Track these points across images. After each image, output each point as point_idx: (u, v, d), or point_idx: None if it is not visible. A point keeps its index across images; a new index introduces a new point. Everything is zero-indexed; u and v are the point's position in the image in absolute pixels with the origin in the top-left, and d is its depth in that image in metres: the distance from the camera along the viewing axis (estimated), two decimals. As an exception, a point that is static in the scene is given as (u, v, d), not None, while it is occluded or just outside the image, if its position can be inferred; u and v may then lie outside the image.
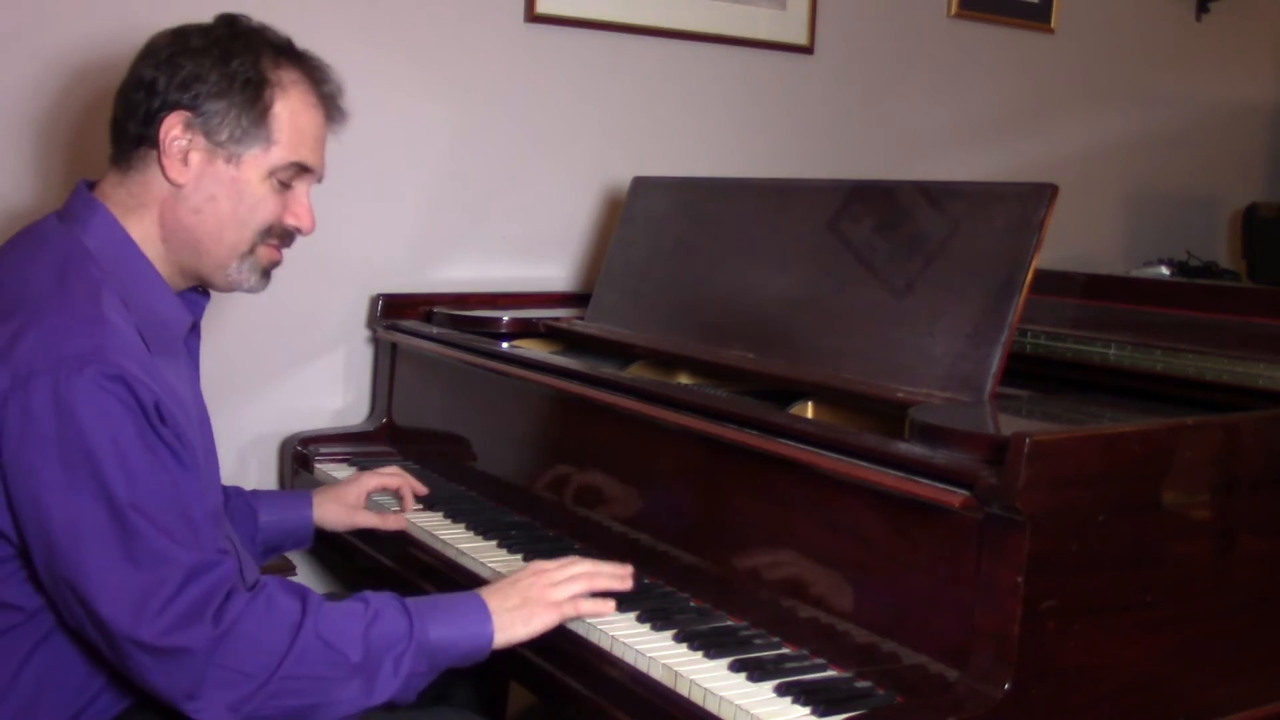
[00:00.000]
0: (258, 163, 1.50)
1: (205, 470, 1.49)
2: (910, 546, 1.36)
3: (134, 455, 1.31)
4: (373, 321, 2.45)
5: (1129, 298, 2.17)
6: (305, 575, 2.41)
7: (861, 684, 1.39)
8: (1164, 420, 1.39)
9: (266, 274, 1.58)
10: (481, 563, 1.77)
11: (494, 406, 2.12)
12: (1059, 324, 1.94)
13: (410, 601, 1.44)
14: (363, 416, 2.48)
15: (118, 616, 1.28)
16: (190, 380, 1.59)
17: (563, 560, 1.56)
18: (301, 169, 1.54)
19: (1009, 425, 1.44)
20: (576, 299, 2.50)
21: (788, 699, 1.34)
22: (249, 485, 2.36)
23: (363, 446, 2.37)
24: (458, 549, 1.84)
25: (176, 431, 1.37)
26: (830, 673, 1.42)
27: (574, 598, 1.51)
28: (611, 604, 1.54)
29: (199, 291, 1.63)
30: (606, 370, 1.92)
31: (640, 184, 2.36)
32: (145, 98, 1.47)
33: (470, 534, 1.91)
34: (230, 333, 2.31)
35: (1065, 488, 1.25)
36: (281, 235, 1.56)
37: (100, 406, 1.30)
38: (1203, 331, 1.92)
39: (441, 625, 1.42)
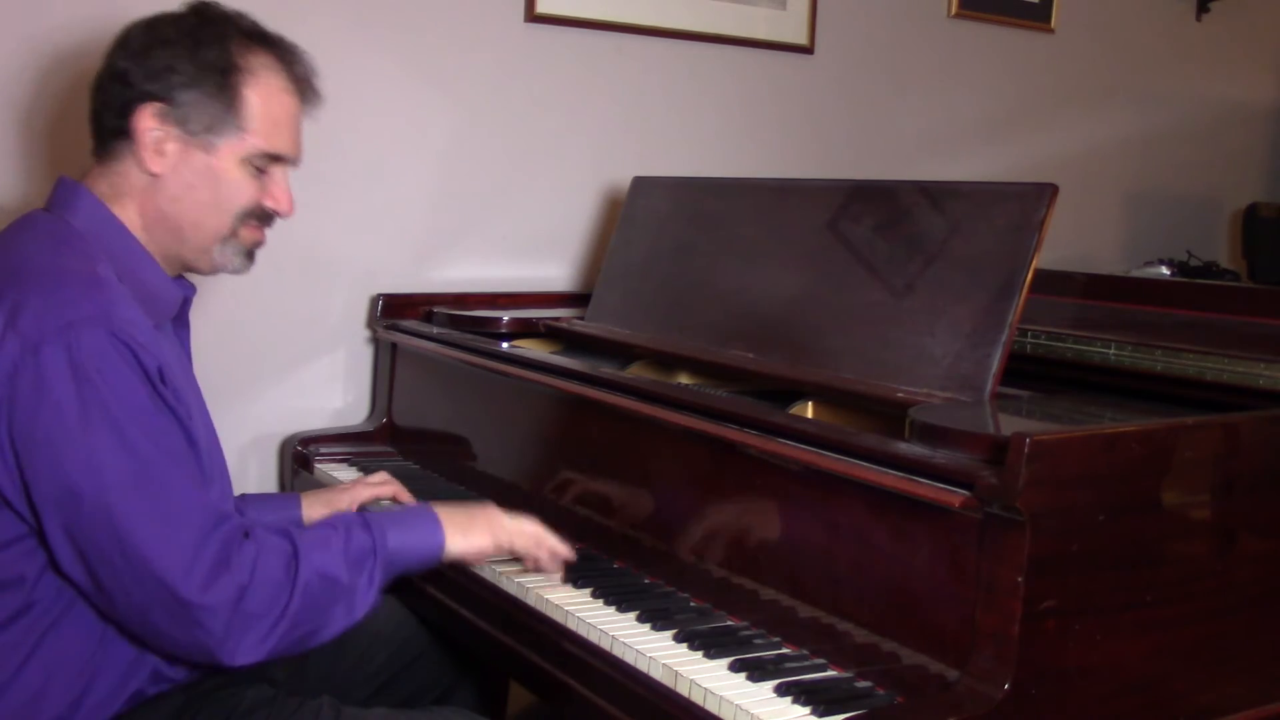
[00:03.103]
0: (232, 150, 1.52)
1: (206, 445, 1.51)
2: (910, 546, 1.36)
3: (150, 410, 1.35)
4: (373, 321, 2.45)
5: (1129, 298, 2.17)
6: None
7: (861, 684, 1.39)
8: (1164, 420, 1.39)
9: (250, 255, 1.60)
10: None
11: (494, 406, 2.12)
12: (1059, 324, 1.94)
13: (370, 515, 1.52)
14: (363, 416, 2.48)
15: (168, 568, 1.32)
16: (183, 365, 1.62)
17: (520, 515, 1.65)
18: (280, 160, 1.57)
19: (1009, 425, 1.44)
20: (576, 299, 2.50)
21: (788, 699, 1.34)
22: (249, 485, 2.37)
23: (363, 446, 2.37)
24: (458, 549, 1.84)
25: (179, 397, 1.40)
26: (830, 673, 1.42)
27: (513, 536, 1.62)
28: (558, 575, 1.65)
29: (184, 283, 1.66)
30: (606, 370, 1.92)
31: (640, 184, 2.36)
32: (119, 90, 1.49)
33: (470, 534, 1.91)
34: (231, 333, 2.31)
35: (1065, 488, 1.25)
36: (261, 217, 1.58)
37: (115, 364, 1.33)
38: (1203, 331, 1.92)
39: (399, 534, 1.50)
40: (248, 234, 1.57)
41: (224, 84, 1.50)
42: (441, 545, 1.54)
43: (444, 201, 2.54)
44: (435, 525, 1.55)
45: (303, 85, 1.60)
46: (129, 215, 1.52)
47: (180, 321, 1.67)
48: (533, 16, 2.57)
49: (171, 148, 1.50)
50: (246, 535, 1.38)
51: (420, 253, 2.53)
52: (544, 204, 2.65)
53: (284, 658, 1.68)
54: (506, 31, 2.57)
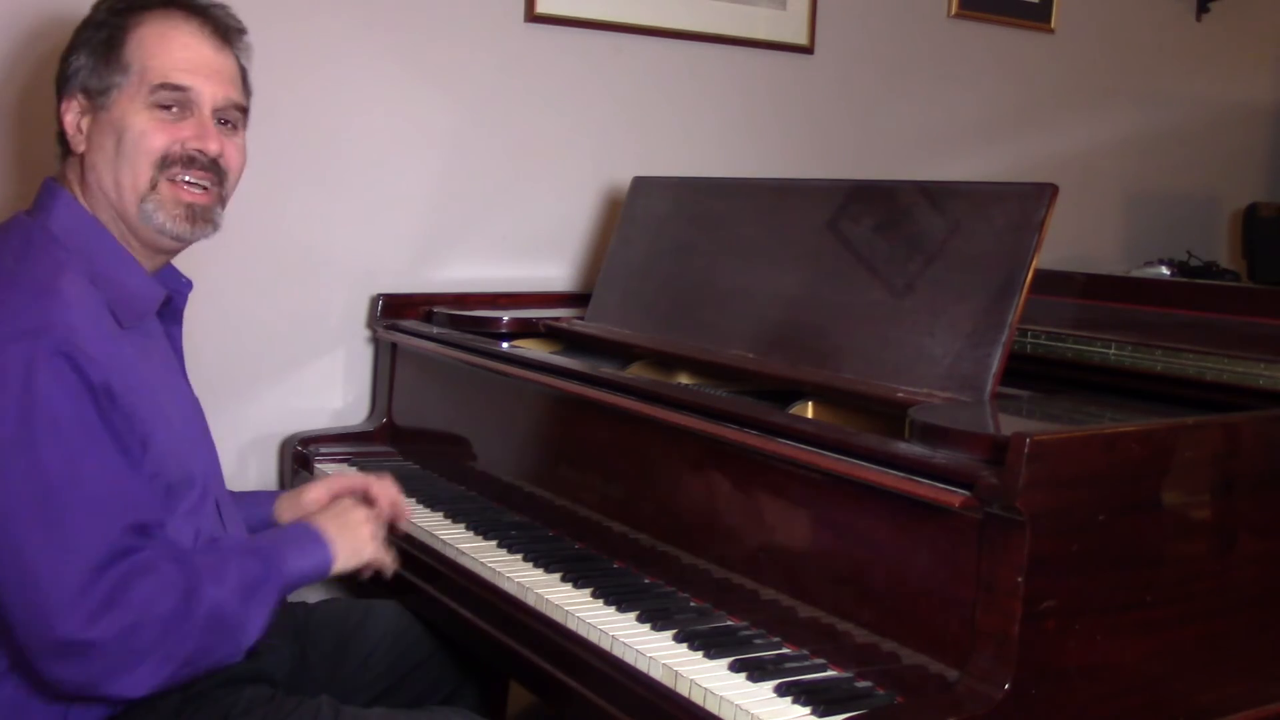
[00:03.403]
0: (128, 96, 1.51)
1: (173, 448, 1.48)
2: (910, 546, 1.36)
3: (78, 429, 1.33)
4: (373, 321, 2.45)
5: (1129, 298, 2.17)
6: (305, 575, 2.41)
7: (861, 684, 1.39)
8: (1164, 420, 1.39)
9: (188, 217, 1.54)
10: (481, 563, 1.77)
11: (494, 406, 2.12)
12: (1059, 324, 1.94)
13: (263, 542, 1.53)
14: (363, 416, 2.48)
15: (53, 600, 1.29)
16: (166, 364, 1.60)
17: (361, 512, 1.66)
18: (173, 88, 1.52)
19: (1009, 425, 1.44)
20: (576, 299, 2.50)
21: (788, 699, 1.34)
22: (249, 485, 2.37)
23: (363, 446, 2.37)
24: (458, 549, 1.84)
25: (126, 411, 1.38)
26: (830, 673, 1.42)
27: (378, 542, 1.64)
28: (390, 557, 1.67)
29: (179, 282, 1.67)
30: (606, 370, 1.92)
31: (640, 184, 2.36)
32: (56, 99, 1.56)
33: (470, 534, 1.91)
34: (231, 332, 2.31)
35: (1065, 488, 1.25)
36: (185, 163, 1.52)
37: (48, 379, 1.32)
38: (1203, 331, 1.92)
39: (295, 559, 1.52)
40: (169, 189, 1.52)
41: (108, 36, 1.52)
42: (331, 565, 1.56)
43: (444, 201, 2.54)
44: (325, 548, 1.56)
45: (198, 17, 1.56)
46: (100, 209, 1.53)
47: (172, 318, 1.66)
48: (533, 16, 2.57)
49: (85, 122, 1.53)
50: (144, 568, 1.34)
51: (420, 253, 2.53)
52: (544, 204, 2.65)
53: (283, 663, 1.69)
54: (506, 31, 2.56)
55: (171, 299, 1.63)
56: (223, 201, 1.59)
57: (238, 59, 1.61)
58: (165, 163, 1.52)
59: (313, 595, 2.41)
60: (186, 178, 1.53)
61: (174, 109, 1.53)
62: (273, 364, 2.40)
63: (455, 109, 2.53)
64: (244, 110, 1.62)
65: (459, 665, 1.92)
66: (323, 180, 2.39)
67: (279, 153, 2.33)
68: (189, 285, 1.68)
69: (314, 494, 1.78)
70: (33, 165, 2.13)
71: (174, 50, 1.52)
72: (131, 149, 1.50)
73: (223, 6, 1.61)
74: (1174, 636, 1.37)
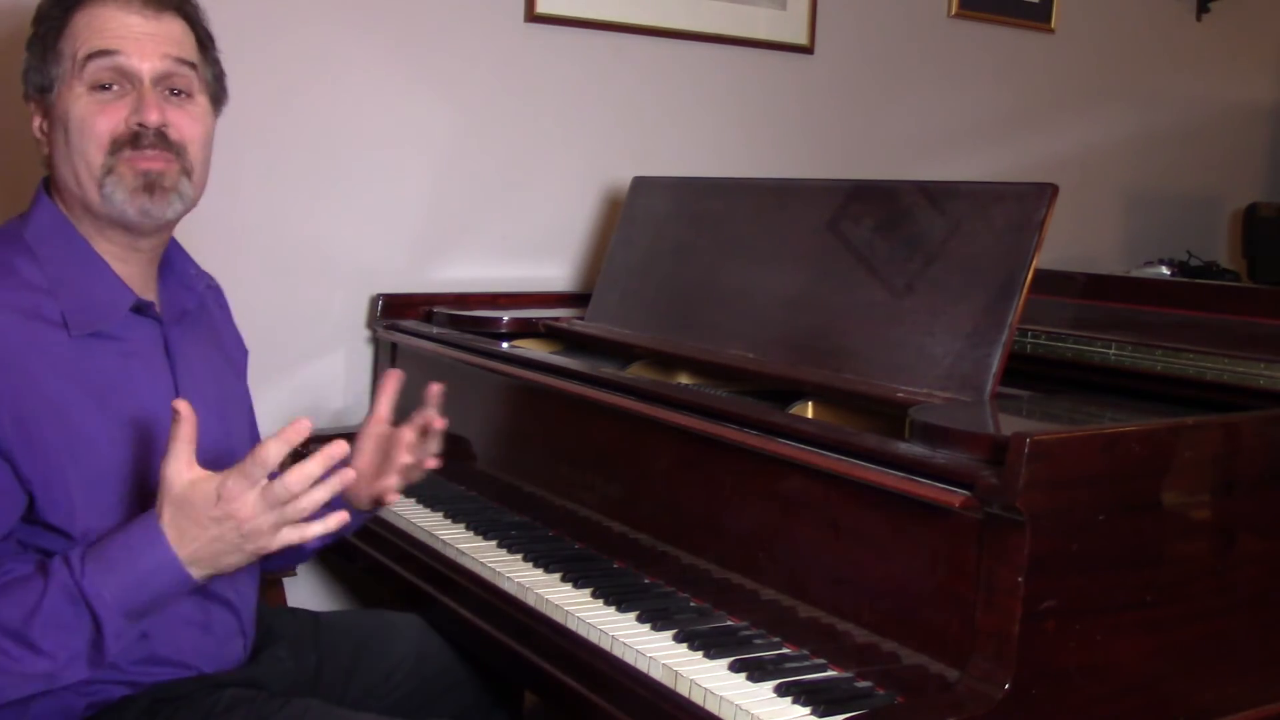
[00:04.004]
0: (67, 85, 1.47)
1: (117, 458, 1.43)
2: (910, 546, 1.36)
3: None
4: (373, 321, 2.45)
5: (1129, 298, 2.17)
6: (307, 577, 2.41)
7: (861, 684, 1.39)
8: (1164, 420, 1.39)
9: (146, 187, 1.46)
10: (481, 563, 1.77)
11: (494, 406, 2.12)
12: (1059, 324, 1.94)
13: (90, 579, 1.30)
14: (363, 416, 2.47)
15: None
16: (149, 369, 1.51)
17: (251, 499, 1.32)
18: (101, 54, 1.45)
19: (1009, 425, 1.44)
20: (576, 299, 2.50)
21: (788, 699, 1.34)
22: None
23: (363, 446, 2.36)
24: (458, 549, 1.84)
25: (2, 427, 1.35)
26: (830, 673, 1.42)
27: (276, 528, 1.34)
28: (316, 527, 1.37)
29: (191, 286, 1.62)
30: (606, 370, 1.92)
31: (640, 184, 2.36)
32: None
33: (470, 534, 1.91)
34: (230, 333, 2.31)
35: (1065, 488, 1.25)
36: (132, 142, 1.46)
37: None
38: (1203, 331, 1.92)
39: (132, 595, 1.32)
40: (127, 169, 1.45)
41: (48, 34, 1.49)
42: (190, 583, 1.35)
43: (444, 201, 2.54)
44: (178, 571, 1.33)
45: None
46: (73, 208, 1.50)
47: (175, 319, 1.58)
48: (533, 16, 2.57)
49: (44, 124, 1.52)
50: None
51: (420, 253, 2.53)
52: (544, 204, 2.65)
53: (286, 673, 1.65)
54: (506, 31, 2.57)
55: (156, 304, 1.55)
56: (188, 174, 1.50)
57: (183, 23, 1.53)
58: (115, 146, 1.45)
59: (318, 602, 2.42)
60: (138, 155, 1.46)
61: (114, 87, 1.46)
62: (273, 364, 2.40)
63: (455, 109, 2.53)
64: (195, 68, 1.52)
65: (488, 690, 1.86)
66: (323, 180, 2.39)
67: (279, 153, 2.33)
68: (199, 279, 1.63)
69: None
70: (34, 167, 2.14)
71: (104, 23, 1.47)
72: (78, 138, 1.45)
73: None
74: (1174, 636, 1.37)
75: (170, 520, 1.32)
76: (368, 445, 1.71)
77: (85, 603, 1.30)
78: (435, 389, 1.69)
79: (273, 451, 1.30)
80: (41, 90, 1.50)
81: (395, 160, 2.48)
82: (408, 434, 1.69)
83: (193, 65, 1.52)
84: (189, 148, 1.50)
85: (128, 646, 1.37)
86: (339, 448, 1.31)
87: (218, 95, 1.60)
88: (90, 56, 1.45)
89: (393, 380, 1.72)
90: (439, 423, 1.69)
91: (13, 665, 1.29)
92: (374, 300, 2.44)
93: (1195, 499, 1.39)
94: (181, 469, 1.32)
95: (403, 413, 2.37)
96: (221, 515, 1.31)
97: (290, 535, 1.35)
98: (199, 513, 1.31)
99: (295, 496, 1.32)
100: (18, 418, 1.37)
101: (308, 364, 2.44)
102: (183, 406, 1.32)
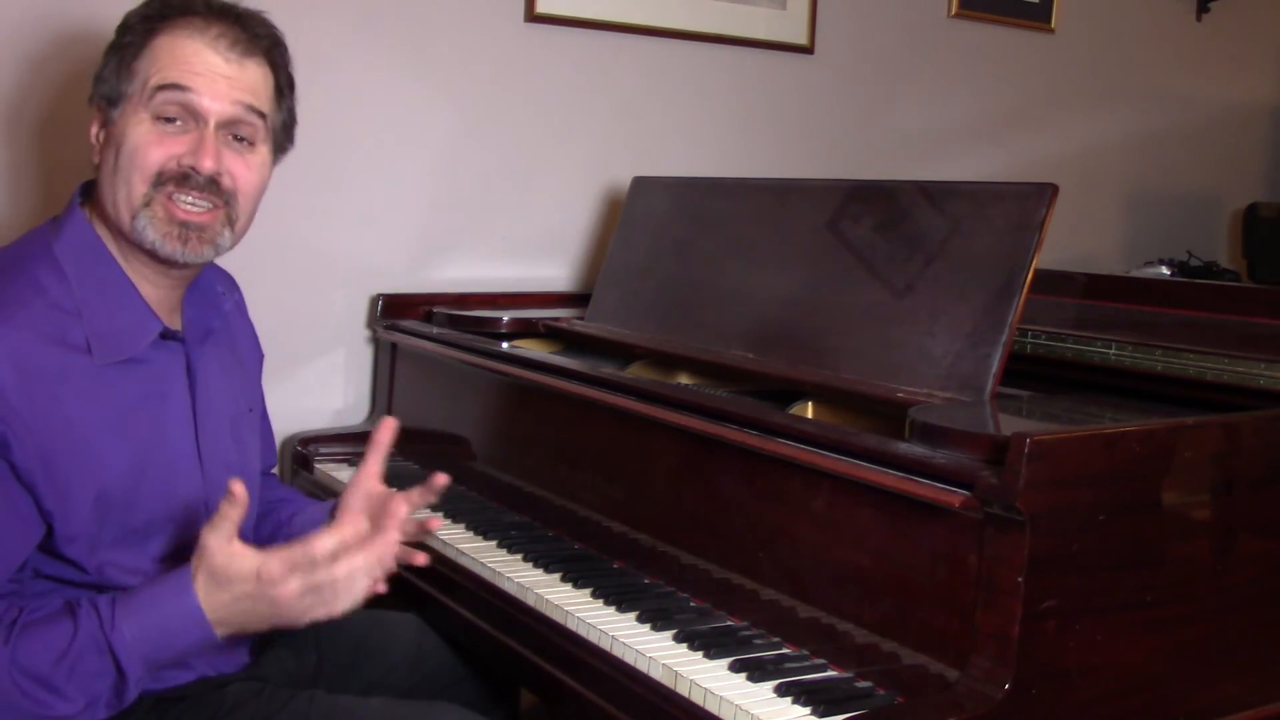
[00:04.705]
0: (133, 106, 1.43)
1: (133, 489, 1.43)
2: (910, 546, 1.36)
3: None
4: (373, 321, 2.45)
5: (1129, 298, 2.17)
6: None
7: (861, 684, 1.39)
8: (1164, 420, 1.39)
9: (180, 237, 1.43)
10: (481, 563, 1.77)
11: (494, 406, 2.12)
12: (1059, 324, 1.94)
13: (118, 632, 1.31)
14: (363, 416, 2.48)
15: None
16: (170, 394, 1.50)
17: (305, 573, 1.33)
18: (172, 88, 1.42)
19: (1009, 425, 1.44)
20: (576, 299, 2.50)
21: (788, 699, 1.34)
22: (249, 485, 2.36)
23: (363, 447, 2.31)
24: (458, 549, 1.84)
25: (22, 467, 1.33)
26: (830, 673, 1.42)
27: (310, 610, 1.35)
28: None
29: (217, 305, 1.60)
30: (606, 370, 1.92)
31: (640, 184, 2.36)
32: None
33: (470, 534, 1.91)
34: (230, 333, 2.31)
35: (1065, 488, 1.25)
36: (179, 181, 1.43)
37: None
38: (1203, 331, 1.92)
39: (156, 650, 1.33)
40: (163, 207, 1.42)
41: (129, 47, 1.45)
42: (213, 640, 1.35)
43: (444, 201, 2.54)
44: (206, 631, 1.33)
45: (217, 24, 1.46)
46: (107, 227, 1.47)
47: (198, 340, 1.55)
48: (533, 16, 2.57)
49: (101, 134, 1.48)
50: None
51: (420, 253, 2.53)
52: (544, 204, 2.65)
53: (287, 672, 1.65)
54: (506, 31, 2.57)
55: (181, 328, 1.54)
56: (231, 223, 1.48)
57: (266, 69, 1.50)
58: (160, 180, 1.42)
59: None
60: (182, 197, 1.43)
61: (177, 121, 1.43)
62: (273, 364, 2.38)
63: (455, 109, 2.53)
64: (264, 118, 1.50)
65: (485, 688, 1.87)
66: (323, 180, 2.39)
67: (279, 153, 2.33)
68: (226, 297, 1.61)
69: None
70: (61, 170, 2.14)
71: (185, 55, 1.44)
72: (127, 163, 1.42)
73: (254, 14, 1.51)
74: (1174, 636, 1.37)
75: (203, 585, 1.32)
76: (355, 503, 1.50)
77: (112, 655, 1.30)
78: (441, 481, 1.48)
79: (326, 546, 1.33)
80: (108, 101, 1.46)
81: (395, 160, 2.48)
82: (400, 508, 1.45)
83: (262, 115, 1.49)
84: (239, 198, 1.48)
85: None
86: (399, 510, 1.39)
87: (282, 144, 1.57)
88: (162, 87, 1.42)
89: (386, 433, 1.52)
90: (434, 523, 1.57)
91: (34, 708, 1.28)
92: (374, 300, 2.44)
93: (1195, 499, 1.39)
94: (223, 542, 1.32)
95: (403, 412, 2.37)
96: (257, 594, 1.32)
97: (320, 613, 1.36)
98: (235, 586, 1.32)
99: (336, 582, 1.34)
100: (42, 450, 1.35)
101: (308, 364, 2.44)
102: (238, 489, 1.31)
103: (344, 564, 1.34)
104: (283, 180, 2.32)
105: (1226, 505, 1.41)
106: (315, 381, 2.45)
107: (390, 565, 1.42)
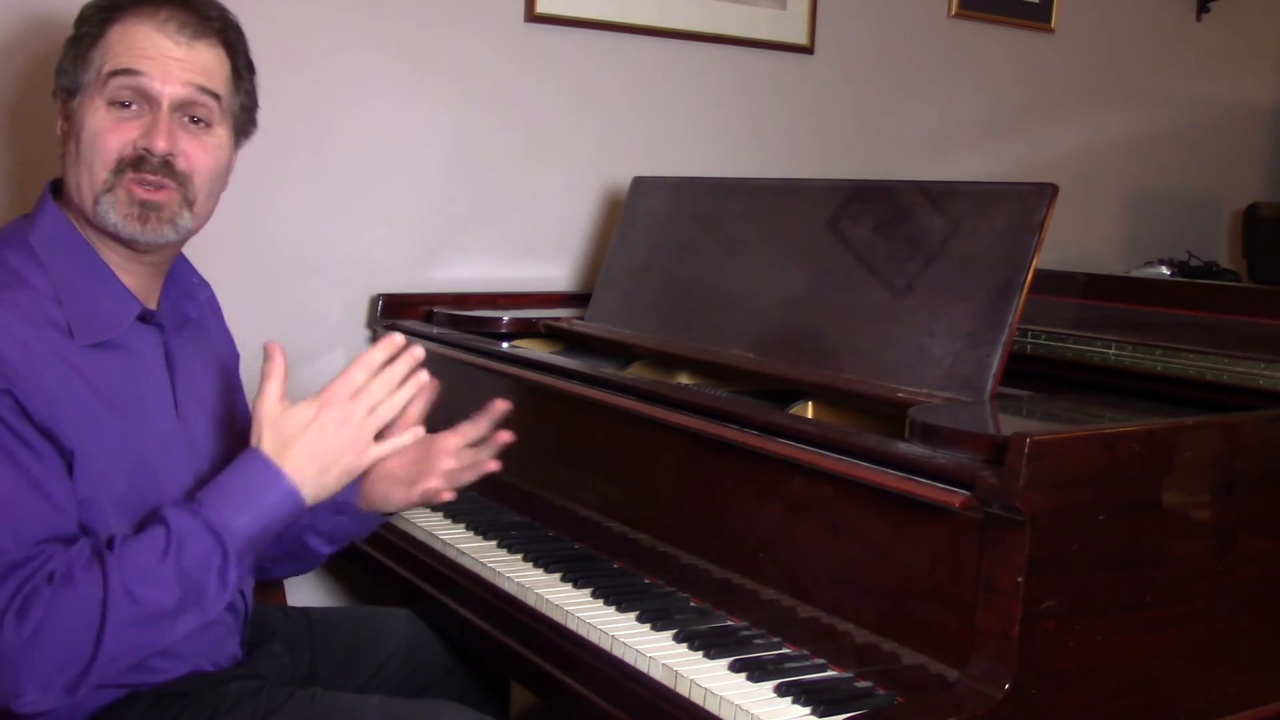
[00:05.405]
0: (89, 95, 1.45)
1: (119, 468, 1.43)
2: (910, 546, 1.36)
3: None
4: (373, 321, 2.45)
5: (1129, 298, 2.17)
6: (307, 577, 2.40)
7: (861, 684, 1.39)
8: (1164, 420, 1.39)
9: (140, 216, 1.45)
10: (481, 563, 1.77)
11: (494, 406, 2.12)
12: (1059, 324, 1.94)
13: (208, 507, 1.37)
14: (363, 416, 2.47)
15: None
16: (147, 379, 1.51)
17: (348, 385, 1.48)
18: (124, 73, 1.44)
19: (1009, 425, 1.44)
20: (576, 299, 2.50)
21: (788, 699, 1.34)
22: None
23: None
24: (458, 549, 1.84)
25: (39, 419, 1.34)
26: (830, 673, 1.42)
27: (367, 442, 1.46)
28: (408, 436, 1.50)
29: (193, 296, 1.62)
30: (606, 370, 1.92)
31: (640, 184, 2.36)
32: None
33: (470, 534, 1.91)
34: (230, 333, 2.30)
35: (1065, 488, 1.25)
36: (135, 165, 1.44)
37: None
38: (1203, 331, 1.92)
39: (249, 519, 1.38)
40: (124, 193, 1.44)
41: (84, 38, 1.48)
42: (301, 503, 1.42)
43: (444, 201, 2.54)
44: (290, 494, 1.41)
45: (167, 7, 1.47)
46: (77, 215, 1.49)
47: (176, 327, 1.58)
48: (533, 16, 2.57)
49: (64, 126, 1.50)
50: (51, 579, 1.29)
51: (420, 253, 2.53)
52: (544, 204, 2.65)
53: (283, 669, 1.66)
54: (506, 31, 2.56)
55: (158, 311, 1.55)
56: (189, 204, 1.48)
57: (220, 51, 1.51)
58: (119, 166, 1.44)
59: (317, 601, 2.42)
60: (140, 179, 1.44)
61: (132, 106, 1.45)
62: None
63: (455, 109, 2.53)
64: (218, 99, 1.49)
65: (476, 680, 1.88)
66: (323, 180, 2.39)
67: (278, 152, 2.32)
68: (200, 289, 1.63)
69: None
70: (32, 166, 2.13)
71: (136, 40, 1.45)
72: (88, 150, 1.44)
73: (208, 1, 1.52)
74: (1174, 636, 1.37)
75: (270, 443, 1.42)
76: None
77: (211, 531, 1.35)
78: (500, 407, 1.69)
79: (375, 359, 1.49)
80: (68, 92, 1.49)
81: (395, 160, 2.48)
82: (451, 440, 1.67)
83: (216, 96, 1.50)
84: (194, 178, 1.48)
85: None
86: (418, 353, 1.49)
87: (243, 127, 1.57)
88: (114, 73, 1.44)
89: (429, 390, 1.58)
90: (504, 435, 1.69)
91: (149, 613, 1.31)
92: (374, 300, 2.44)
93: (1195, 499, 1.39)
94: (275, 400, 1.45)
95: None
96: (322, 421, 1.44)
97: (378, 451, 1.47)
98: (295, 424, 1.43)
99: (381, 400, 1.47)
100: (50, 415, 1.36)
101: (308, 364, 2.43)
102: (274, 348, 1.46)
103: (383, 385, 1.48)
104: (283, 180, 2.34)
105: (1226, 505, 1.41)
106: (315, 382, 2.42)
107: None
